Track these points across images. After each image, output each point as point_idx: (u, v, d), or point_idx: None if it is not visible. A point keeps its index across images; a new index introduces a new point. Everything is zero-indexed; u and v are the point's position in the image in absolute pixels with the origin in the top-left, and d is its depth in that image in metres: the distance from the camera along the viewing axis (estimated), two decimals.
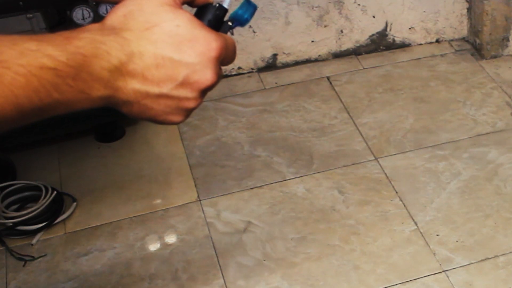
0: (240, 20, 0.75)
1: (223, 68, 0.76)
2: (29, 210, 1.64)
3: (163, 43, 0.66)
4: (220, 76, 0.70)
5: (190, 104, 0.69)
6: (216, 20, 0.73)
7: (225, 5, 0.73)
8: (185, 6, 0.71)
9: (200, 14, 0.73)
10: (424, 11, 2.18)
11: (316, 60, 2.18)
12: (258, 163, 1.80)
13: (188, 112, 0.71)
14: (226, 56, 0.70)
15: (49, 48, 0.60)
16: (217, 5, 0.73)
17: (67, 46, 0.61)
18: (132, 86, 0.65)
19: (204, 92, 0.69)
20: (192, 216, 1.66)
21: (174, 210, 1.68)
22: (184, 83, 0.67)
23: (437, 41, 2.24)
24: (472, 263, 1.50)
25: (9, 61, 0.58)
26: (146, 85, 0.66)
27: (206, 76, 0.68)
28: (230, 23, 0.74)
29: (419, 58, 2.18)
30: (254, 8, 0.75)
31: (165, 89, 0.67)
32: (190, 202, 1.70)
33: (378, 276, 1.49)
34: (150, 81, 0.66)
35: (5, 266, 1.58)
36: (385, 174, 1.74)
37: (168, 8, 0.67)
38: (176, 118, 0.70)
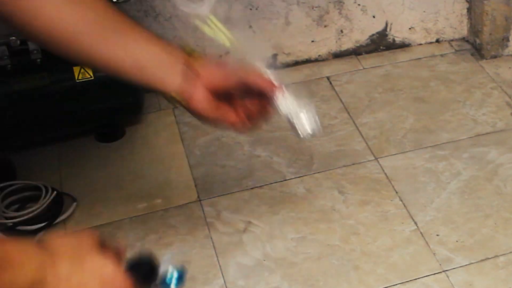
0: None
1: None
2: (29, 210, 1.64)
3: None
4: None
5: None
6: (145, 278, 0.82)
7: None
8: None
9: (135, 267, 0.82)
10: (424, 11, 2.18)
11: (316, 60, 2.18)
12: (258, 163, 1.80)
13: None
14: None
15: None
16: (150, 267, 0.83)
17: None
18: None
19: None
20: (192, 216, 1.66)
21: (174, 210, 1.68)
22: None
23: (437, 41, 2.24)
24: (472, 263, 1.50)
25: None
26: None
27: None
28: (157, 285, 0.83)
29: (419, 58, 2.18)
30: (182, 283, 0.83)
31: None
32: (190, 202, 1.70)
33: (378, 276, 1.49)
34: None
35: None
36: (385, 174, 1.74)
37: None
38: None
